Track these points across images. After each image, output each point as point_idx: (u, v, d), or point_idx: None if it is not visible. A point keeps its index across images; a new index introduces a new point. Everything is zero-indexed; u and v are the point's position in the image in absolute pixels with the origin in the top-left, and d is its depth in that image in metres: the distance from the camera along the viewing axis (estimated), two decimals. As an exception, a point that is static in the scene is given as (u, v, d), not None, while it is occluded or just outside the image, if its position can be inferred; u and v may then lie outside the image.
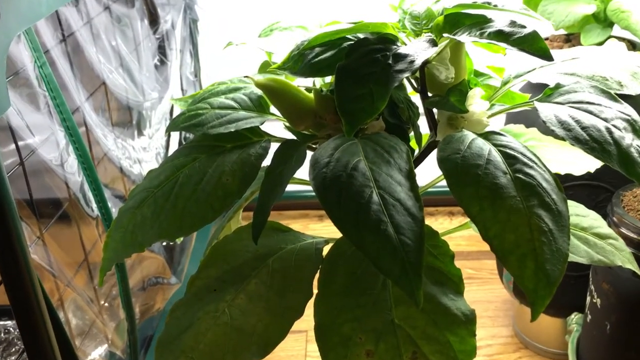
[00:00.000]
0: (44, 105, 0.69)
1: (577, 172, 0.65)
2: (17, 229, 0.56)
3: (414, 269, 0.42)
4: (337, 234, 0.45)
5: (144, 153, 1.01)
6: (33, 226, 0.68)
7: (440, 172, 0.64)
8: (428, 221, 1.66)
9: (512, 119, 0.93)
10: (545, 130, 0.73)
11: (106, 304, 0.87)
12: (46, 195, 0.72)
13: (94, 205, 0.77)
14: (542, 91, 0.64)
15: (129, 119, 0.97)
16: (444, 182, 0.65)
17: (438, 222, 1.54)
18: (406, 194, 0.45)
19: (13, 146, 0.65)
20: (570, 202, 0.63)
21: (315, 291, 0.52)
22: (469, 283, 1.34)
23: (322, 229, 1.51)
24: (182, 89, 1.17)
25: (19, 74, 0.65)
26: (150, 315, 1.01)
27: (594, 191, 0.95)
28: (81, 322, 0.79)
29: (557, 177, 0.63)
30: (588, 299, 0.93)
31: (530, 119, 0.74)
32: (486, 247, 0.45)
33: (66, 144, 0.71)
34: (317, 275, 0.53)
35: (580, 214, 0.59)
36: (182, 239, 1.02)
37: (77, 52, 0.80)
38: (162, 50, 1.13)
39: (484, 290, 1.33)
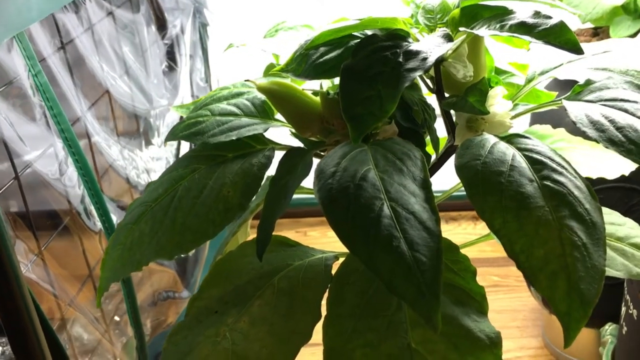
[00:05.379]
0: (41, 115, 0.65)
1: (611, 175, 0.60)
2: (6, 246, 0.53)
3: (430, 289, 0.38)
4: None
5: (153, 163, 0.97)
6: (31, 243, 0.65)
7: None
8: (451, 226, 1.59)
9: (538, 119, 0.88)
10: (574, 130, 0.68)
11: (117, 319, 0.84)
12: (44, 209, 0.69)
13: (97, 219, 0.73)
14: (571, 88, 0.59)
15: (135, 128, 0.94)
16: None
17: (461, 228, 1.48)
18: (421, 206, 0.41)
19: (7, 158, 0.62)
20: (604, 210, 0.58)
21: (324, 312, 0.48)
22: (495, 291, 1.28)
23: (341, 237, 1.47)
24: (192, 96, 1.14)
25: (12, 83, 0.62)
26: (162, 330, 0.98)
27: (626, 194, 0.89)
28: (87, 341, 0.76)
29: (588, 179, 0.58)
30: (623, 309, 0.87)
31: (556, 118, 0.69)
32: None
33: (65, 156, 0.67)
34: (326, 295, 0.48)
35: (615, 222, 0.54)
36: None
37: (77, 59, 0.77)
38: (171, 56, 1.10)
39: (511, 299, 1.27)
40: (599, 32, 0.97)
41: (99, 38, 0.82)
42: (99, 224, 0.73)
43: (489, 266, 1.30)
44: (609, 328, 0.97)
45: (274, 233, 0.48)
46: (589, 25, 0.96)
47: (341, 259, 0.51)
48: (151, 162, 0.97)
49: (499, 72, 0.60)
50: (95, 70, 0.80)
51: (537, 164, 0.43)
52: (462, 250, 0.57)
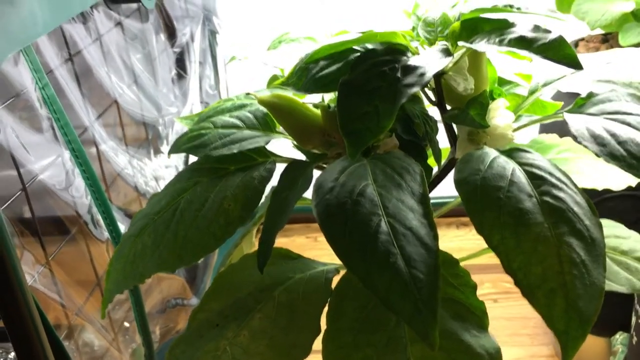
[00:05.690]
0: (48, 127, 0.66)
1: (617, 186, 0.59)
2: (10, 255, 0.54)
3: (427, 306, 0.38)
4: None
5: (162, 170, 0.98)
6: (38, 253, 0.66)
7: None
8: (462, 232, 1.57)
9: (545, 128, 0.87)
10: (581, 139, 0.67)
11: (126, 325, 0.85)
12: (52, 220, 0.70)
13: (104, 228, 0.74)
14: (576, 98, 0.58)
15: (144, 136, 0.94)
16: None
17: (472, 233, 1.47)
18: (419, 221, 0.41)
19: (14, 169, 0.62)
20: (608, 222, 0.57)
21: (324, 327, 0.48)
22: (505, 298, 1.27)
23: (351, 242, 1.46)
24: (201, 102, 1.15)
25: (19, 96, 0.63)
26: (172, 337, 0.98)
27: (637, 203, 0.88)
28: (96, 348, 0.77)
29: (594, 190, 0.58)
30: (633, 318, 0.86)
31: (564, 127, 0.68)
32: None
33: (72, 166, 0.68)
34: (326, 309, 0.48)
35: (620, 235, 0.54)
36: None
37: (85, 70, 0.78)
38: (180, 64, 1.11)
39: (522, 306, 1.26)
40: (609, 39, 0.96)
41: (107, 48, 0.83)
42: (107, 233, 0.74)
43: (500, 272, 1.28)
44: (619, 337, 0.96)
45: (282, 239, 0.48)
46: (599, 31, 0.95)
47: (342, 272, 0.51)
48: (160, 170, 0.97)
49: (502, 82, 0.59)
50: (103, 81, 0.81)
51: (536, 179, 0.43)
52: (474, 259, 0.57)
